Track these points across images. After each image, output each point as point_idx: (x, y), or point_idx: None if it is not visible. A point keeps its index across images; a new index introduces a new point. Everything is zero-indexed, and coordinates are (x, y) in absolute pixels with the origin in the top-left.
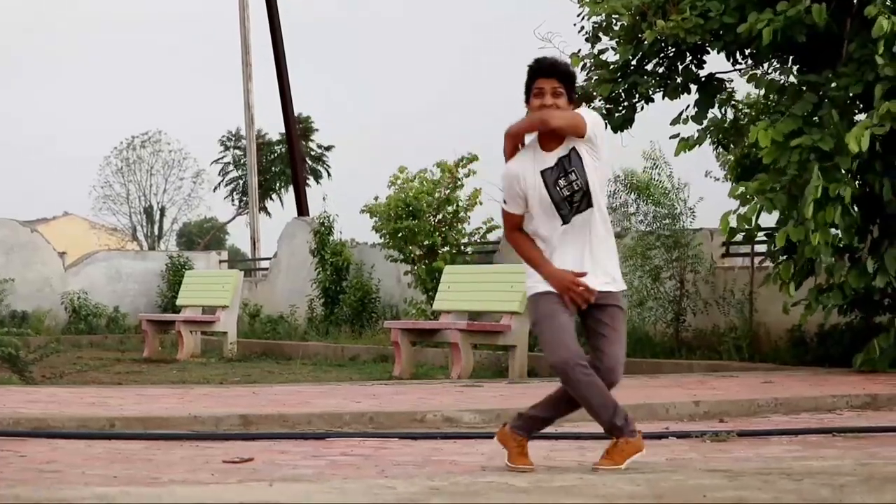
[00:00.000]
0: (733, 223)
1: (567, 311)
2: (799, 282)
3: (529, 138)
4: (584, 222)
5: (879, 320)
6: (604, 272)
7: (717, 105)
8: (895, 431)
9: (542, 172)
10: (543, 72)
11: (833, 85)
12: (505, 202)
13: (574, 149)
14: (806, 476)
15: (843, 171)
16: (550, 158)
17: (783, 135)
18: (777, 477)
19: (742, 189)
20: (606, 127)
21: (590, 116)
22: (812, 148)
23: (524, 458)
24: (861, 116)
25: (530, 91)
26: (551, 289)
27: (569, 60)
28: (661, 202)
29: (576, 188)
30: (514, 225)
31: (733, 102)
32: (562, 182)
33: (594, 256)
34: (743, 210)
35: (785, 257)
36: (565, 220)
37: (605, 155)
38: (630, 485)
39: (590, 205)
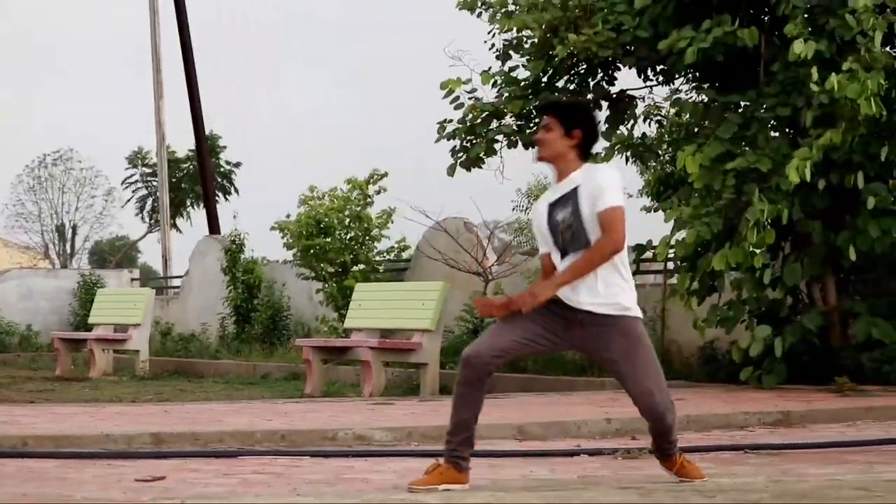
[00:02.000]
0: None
1: (539, 326)
2: (702, 297)
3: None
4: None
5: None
6: (593, 293)
7: (628, 122)
8: (807, 448)
9: (551, 204)
10: (543, 110)
11: (760, 106)
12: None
13: (576, 189)
14: (718, 493)
15: (781, 192)
16: (561, 188)
17: (710, 159)
18: (689, 494)
19: (678, 214)
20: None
21: (609, 201)
22: (749, 170)
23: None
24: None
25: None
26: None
27: (479, 79)
28: None
29: (568, 224)
30: (544, 266)
31: (658, 118)
32: (559, 216)
33: (587, 281)
34: (681, 235)
35: (686, 272)
36: (563, 254)
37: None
38: (542, 501)
39: (585, 244)
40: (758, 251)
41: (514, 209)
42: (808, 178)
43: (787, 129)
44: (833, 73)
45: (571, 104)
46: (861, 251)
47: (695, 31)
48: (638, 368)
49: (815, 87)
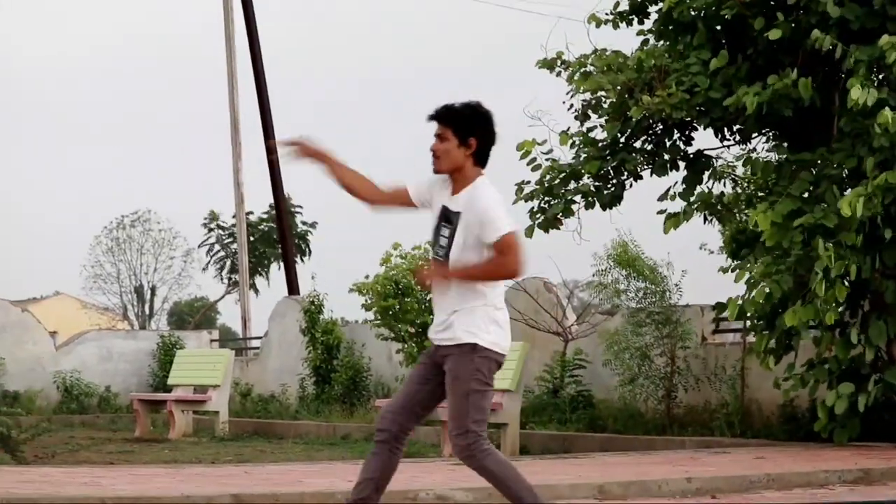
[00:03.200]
0: (740, 307)
1: (419, 370)
2: (779, 355)
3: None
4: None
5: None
6: (445, 320)
7: (707, 180)
8: None
9: (444, 206)
10: (431, 116)
11: (831, 163)
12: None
13: (459, 214)
14: None
15: (847, 248)
16: (453, 202)
17: (782, 216)
18: None
19: (748, 274)
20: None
21: (496, 230)
22: (816, 226)
23: None
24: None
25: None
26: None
27: (557, 139)
28: (650, 277)
29: (443, 244)
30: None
31: (733, 176)
32: (444, 231)
33: (442, 305)
34: (750, 294)
35: (763, 331)
36: (437, 258)
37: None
38: None
39: (448, 255)
40: (829, 307)
41: (593, 274)
42: (859, 212)
43: (852, 182)
44: (886, 109)
45: (464, 110)
46: None
47: (761, 88)
48: (451, 401)
49: (877, 130)
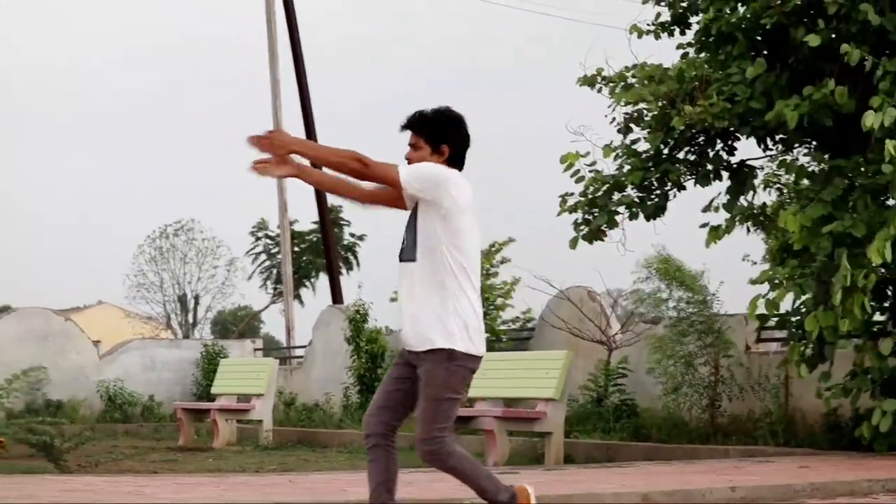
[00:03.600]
0: (761, 308)
1: (395, 370)
2: (814, 364)
3: None
4: (406, 273)
5: None
6: (414, 327)
7: (750, 191)
8: None
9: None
10: (404, 125)
11: (862, 171)
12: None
13: (416, 206)
14: None
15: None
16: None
17: (812, 220)
18: None
19: (772, 273)
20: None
21: (409, 168)
22: (844, 234)
23: None
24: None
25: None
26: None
27: (600, 151)
28: (693, 287)
29: (404, 245)
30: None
31: (778, 185)
32: (406, 234)
33: (410, 311)
34: (772, 295)
35: (800, 340)
36: (400, 257)
37: (448, 204)
38: None
39: (411, 258)
40: (848, 315)
41: (634, 281)
42: (889, 258)
43: (882, 197)
44: (888, 142)
45: (435, 117)
46: None
47: (801, 99)
48: (422, 409)
49: (892, 152)
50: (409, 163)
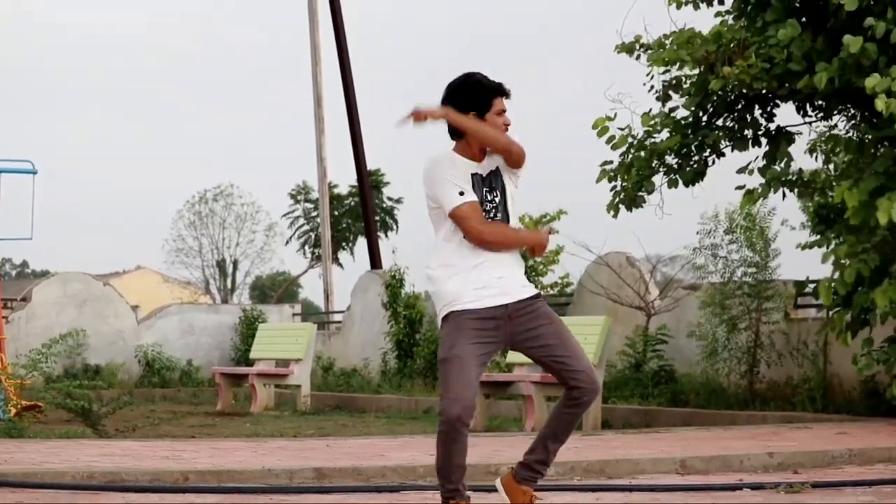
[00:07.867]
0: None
1: (479, 353)
2: (855, 331)
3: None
4: None
5: None
6: (517, 278)
7: (782, 159)
8: None
9: (474, 175)
10: (504, 92)
11: None
12: (440, 200)
13: (498, 168)
14: None
15: None
16: (480, 168)
17: (867, 193)
18: None
19: (833, 255)
20: None
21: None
22: None
23: None
24: None
25: (486, 105)
26: (470, 305)
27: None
28: (756, 247)
29: (496, 203)
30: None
31: (821, 149)
32: (488, 195)
33: (506, 263)
34: (837, 275)
35: (839, 308)
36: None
37: (518, 186)
38: None
39: (507, 219)
40: None
41: (696, 232)
42: None
43: None
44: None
45: (452, 89)
46: None
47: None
48: (575, 345)
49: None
50: (507, 127)
